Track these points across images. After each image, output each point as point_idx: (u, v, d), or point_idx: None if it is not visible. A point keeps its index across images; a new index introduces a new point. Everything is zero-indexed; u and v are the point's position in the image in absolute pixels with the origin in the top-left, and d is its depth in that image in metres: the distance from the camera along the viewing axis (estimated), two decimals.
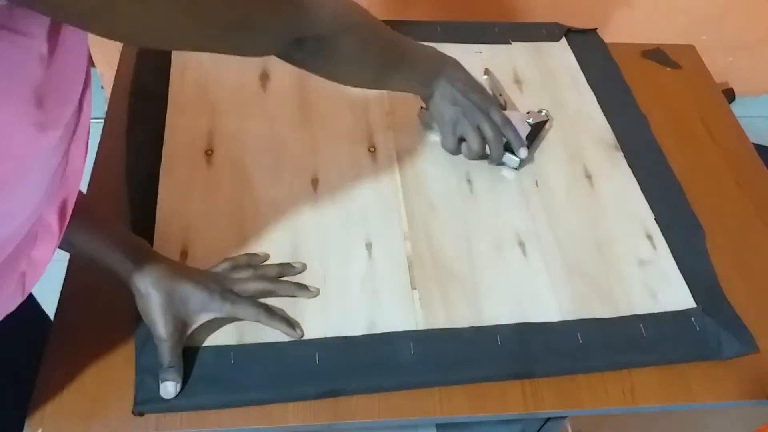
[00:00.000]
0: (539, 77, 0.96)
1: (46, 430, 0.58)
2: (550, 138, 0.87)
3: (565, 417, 0.69)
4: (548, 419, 0.71)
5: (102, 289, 0.66)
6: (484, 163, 0.83)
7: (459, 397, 0.63)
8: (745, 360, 0.69)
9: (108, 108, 0.85)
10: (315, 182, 0.78)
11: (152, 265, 0.60)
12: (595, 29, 1.04)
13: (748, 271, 0.77)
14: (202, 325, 0.63)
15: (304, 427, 0.61)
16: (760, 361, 0.69)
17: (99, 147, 0.79)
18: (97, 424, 0.59)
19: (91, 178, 0.76)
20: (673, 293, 0.73)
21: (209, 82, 0.87)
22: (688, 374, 0.68)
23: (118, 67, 0.90)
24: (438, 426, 1.28)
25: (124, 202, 0.73)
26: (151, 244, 0.69)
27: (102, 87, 1.70)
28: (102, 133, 0.81)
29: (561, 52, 1.00)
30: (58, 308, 0.65)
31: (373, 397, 0.62)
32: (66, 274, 0.67)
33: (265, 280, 0.66)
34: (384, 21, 0.99)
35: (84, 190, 0.75)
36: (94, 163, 0.77)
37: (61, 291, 0.66)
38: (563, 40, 1.02)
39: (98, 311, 0.65)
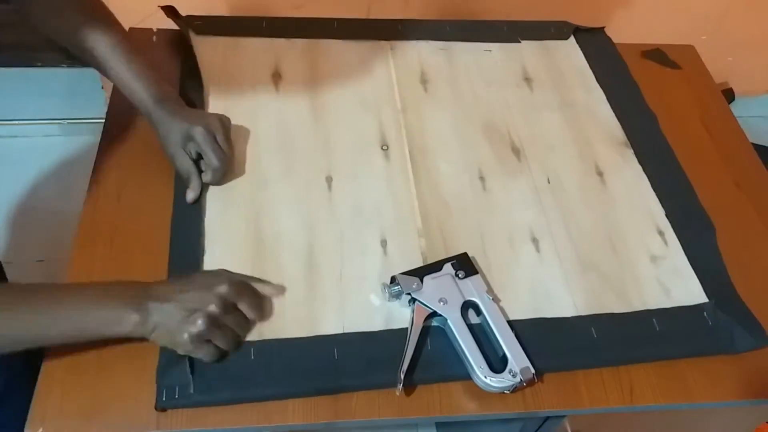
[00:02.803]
0: (548, 75, 0.96)
1: (46, 430, 0.58)
2: (562, 136, 0.88)
3: (564, 416, 0.69)
4: (547, 418, 0.71)
5: None
6: (496, 161, 0.83)
7: (459, 396, 0.64)
8: (744, 359, 0.69)
9: (108, 108, 0.85)
10: (329, 180, 0.78)
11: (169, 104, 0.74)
12: (603, 28, 1.05)
13: (747, 270, 0.77)
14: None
15: (304, 426, 0.61)
16: (759, 361, 0.69)
17: (99, 147, 0.79)
18: (97, 423, 0.59)
19: (91, 178, 0.76)
20: (685, 288, 0.74)
21: (222, 81, 0.87)
22: (687, 373, 0.68)
23: None
24: (438, 425, 1.28)
25: (127, 202, 0.74)
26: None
27: (102, 87, 1.70)
28: (102, 133, 0.81)
29: (570, 50, 1.01)
30: None
31: (373, 395, 0.63)
32: (66, 276, 0.67)
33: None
34: (388, 20, 1.00)
35: (85, 190, 0.76)
36: (95, 163, 0.78)
37: None
38: (572, 38, 1.02)
39: None
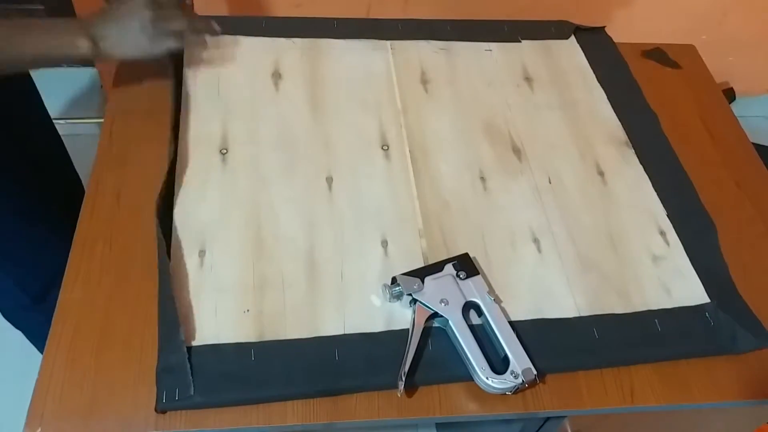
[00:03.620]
0: (549, 75, 0.96)
1: (45, 430, 0.58)
2: (562, 135, 0.88)
3: (564, 417, 0.69)
4: (548, 419, 0.71)
5: (100, 290, 0.67)
6: (497, 161, 0.83)
7: (459, 397, 0.64)
8: (745, 360, 0.69)
9: (107, 108, 0.85)
10: (329, 180, 0.78)
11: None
12: (603, 27, 1.04)
13: (748, 270, 0.77)
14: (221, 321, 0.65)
15: (304, 427, 0.61)
16: (761, 362, 0.69)
17: (99, 147, 0.79)
18: (96, 423, 0.59)
19: (91, 178, 0.76)
20: (686, 288, 0.74)
21: (222, 81, 0.87)
22: (687, 374, 0.68)
23: (118, 67, 0.90)
24: (438, 425, 1.28)
25: (127, 203, 0.74)
26: (169, 245, 0.69)
27: (102, 87, 1.70)
28: (101, 133, 0.81)
29: (570, 49, 1.01)
30: (57, 311, 0.65)
31: (373, 396, 0.63)
32: (65, 277, 0.67)
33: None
34: (388, 19, 1.00)
35: (84, 187, 0.76)
36: (94, 163, 0.77)
37: (61, 293, 0.66)
38: (572, 38, 1.02)
39: (98, 312, 0.65)
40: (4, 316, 1.07)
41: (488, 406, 0.63)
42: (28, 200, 0.91)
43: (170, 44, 0.77)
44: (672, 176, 0.85)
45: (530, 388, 0.64)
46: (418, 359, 0.64)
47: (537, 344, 0.66)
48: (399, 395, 0.61)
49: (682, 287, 0.74)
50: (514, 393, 0.63)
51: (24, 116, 0.94)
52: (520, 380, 0.62)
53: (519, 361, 0.63)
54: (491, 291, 0.69)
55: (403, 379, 0.61)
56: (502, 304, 0.69)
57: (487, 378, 0.62)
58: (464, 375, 0.64)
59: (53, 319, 0.64)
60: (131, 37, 0.74)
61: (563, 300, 0.71)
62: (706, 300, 0.73)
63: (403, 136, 0.84)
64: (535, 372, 0.63)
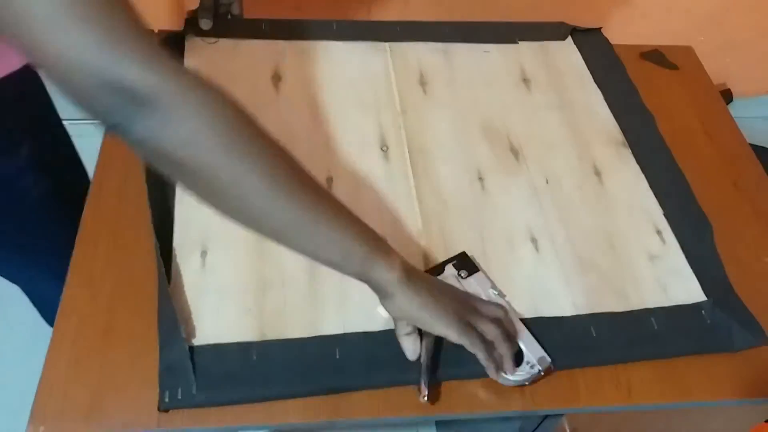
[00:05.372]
0: (546, 76, 0.97)
1: (48, 428, 0.58)
2: (560, 136, 0.89)
3: (562, 415, 0.70)
4: (546, 417, 0.71)
5: (103, 289, 0.67)
6: (495, 161, 0.84)
7: (458, 395, 0.64)
8: (742, 358, 0.70)
9: None
10: (329, 181, 0.78)
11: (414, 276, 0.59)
12: (600, 28, 1.05)
13: (744, 269, 0.77)
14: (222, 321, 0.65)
15: (305, 425, 0.62)
16: (758, 360, 0.70)
17: (101, 146, 0.80)
18: (99, 422, 0.59)
19: (93, 178, 0.76)
20: (683, 287, 0.74)
21: (221, 82, 0.87)
22: (685, 372, 0.68)
23: None
24: (437, 423, 1.29)
25: (130, 202, 0.74)
26: (170, 245, 0.70)
27: None
28: (104, 134, 0.81)
29: (567, 51, 1.02)
30: (60, 309, 0.65)
31: (373, 394, 0.63)
32: (68, 275, 0.68)
33: (501, 336, 0.61)
34: (386, 21, 1.00)
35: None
36: (97, 163, 0.78)
37: (63, 292, 0.67)
38: (569, 39, 1.03)
39: (100, 312, 0.66)
40: (46, 318, 1.05)
41: (487, 405, 0.64)
42: (57, 199, 0.91)
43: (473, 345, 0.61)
44: (668, 176, 0.85)
45: (546, 375, 0.65)
46: (436, 358, 0.64)
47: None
48: (423, 401, 0.61)
49: (679, 286, 0.74)
50: (531, 383, 0.64)
51: (44, 120, 0.93)
52: (536, 370, 0.63)
53: (532, 351, 0.64)
54: (494, 286, 0.69)
55: (426, 384, 0.61)
56: (506, 298, 0.69)
57: (504, 371, 0.62)
58: (480, 371, 0.63)
59: (56, 318, 0.65)
60: (434, 308, 0.59)
61: (561, 299, 0.71)
62: (703, 298, 0.73)
63: (402, 137, 0.85)
64: (549, 359, 0.64)
